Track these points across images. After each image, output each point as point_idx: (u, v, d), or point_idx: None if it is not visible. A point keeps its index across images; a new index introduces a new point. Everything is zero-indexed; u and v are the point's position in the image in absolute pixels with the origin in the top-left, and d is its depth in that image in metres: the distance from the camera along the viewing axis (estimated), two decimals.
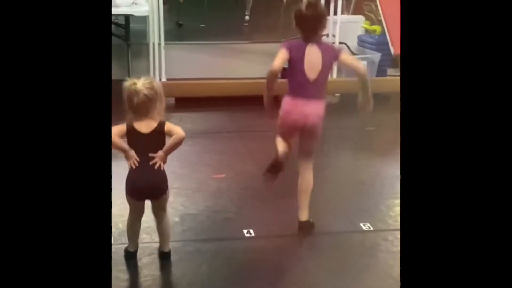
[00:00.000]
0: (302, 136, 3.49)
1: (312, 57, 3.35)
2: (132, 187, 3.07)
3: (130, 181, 3.06)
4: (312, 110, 3.39)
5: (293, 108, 3.38)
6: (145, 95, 2.93)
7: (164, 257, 3.30)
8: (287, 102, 3.41)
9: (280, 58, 3.35)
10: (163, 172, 3.06)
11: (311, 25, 3.38)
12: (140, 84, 2.94)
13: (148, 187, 3.08)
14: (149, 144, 3.01)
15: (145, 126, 3.00)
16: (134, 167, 3.01)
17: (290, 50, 3.35)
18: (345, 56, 3.54)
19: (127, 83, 2.96)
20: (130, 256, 3.29)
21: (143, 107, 2.95)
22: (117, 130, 2.97)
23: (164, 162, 3.05)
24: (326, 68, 3.40)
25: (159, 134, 3.00)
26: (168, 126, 3.01)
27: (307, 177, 3.57)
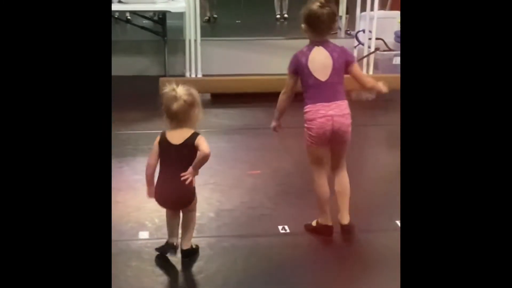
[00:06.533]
0: (332, 142, 3.39)
1: (318, 58, 3.28)
2: (160, 198, 3.13)
3: (157, 192, 3.12)
4: (335, 111, 3.29)
5: (316, 114, 3.29)
6: (184, 101, 2.97)
7: (182, 254, 3.28)
8: (308, 112, 3.32)
9: (290, 83, 3.37)
10: (190, 186, 3.06)
11: (323, 26, 3.30)
12: (180, 90, 2.99)
13: (175, 199, 3.12)
14: (179, 156, 3.03)
15: (177, 137, 3.03)
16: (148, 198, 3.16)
17: (294, 65, 3.33)
18: (356, 68, 3.41)
19: (167, 89, 3.00)
20: (171, 248, 3.28)
21: (182, 113, 2.98)
22: (154, 149, 3.09)
23: (195, 175, 3.07)
24: (338, 69, 3.28)
25: (190, 146, 3.01)
26: (198, 140, 3.01)
27: (343, 180, 3.51)
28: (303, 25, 3.36)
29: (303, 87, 3.34)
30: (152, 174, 3.10)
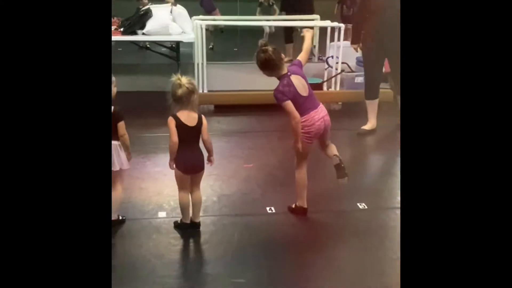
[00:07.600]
0: (322, 134, 3.37)
1: (298, 83, 3.24)
2: (184, 164, 3.13)
3: (182, 161, 3.12)
4: (324, 112, 3.32)
5: (313, 120, 3.26)
6: (187, 87, 3.01)
7: (194, 226, 3.29)
8: (306, 120, 3.24)
9: (293, 108, 3.18)
10: (202, 155, 3.18)
11: (278, 62, 3.21)
12: (183, 79, 3.03)
13: (195, 163, 3.16)
14: (193, 134, 3.10)
15: (190, 119, 3.08)
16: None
17: (290, 95, 3.19)
18: (301, 55, 3.41)
19: (173, 79, 3.04)
20: (184, 227, 3.29)
21: (185, 97, 3.02)
22: (173, 130, 3.05)
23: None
24: (307, 82, 3.30)
25: (200, 127, 3.10)
26: (204, 124, 3.11)
27: (333, 146, 3.49)
28: (264, 73, 3.30)
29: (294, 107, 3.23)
30: (176, 149, 3.09)
